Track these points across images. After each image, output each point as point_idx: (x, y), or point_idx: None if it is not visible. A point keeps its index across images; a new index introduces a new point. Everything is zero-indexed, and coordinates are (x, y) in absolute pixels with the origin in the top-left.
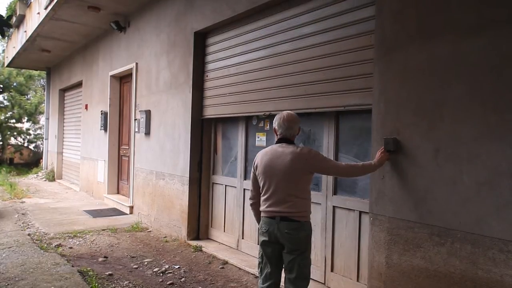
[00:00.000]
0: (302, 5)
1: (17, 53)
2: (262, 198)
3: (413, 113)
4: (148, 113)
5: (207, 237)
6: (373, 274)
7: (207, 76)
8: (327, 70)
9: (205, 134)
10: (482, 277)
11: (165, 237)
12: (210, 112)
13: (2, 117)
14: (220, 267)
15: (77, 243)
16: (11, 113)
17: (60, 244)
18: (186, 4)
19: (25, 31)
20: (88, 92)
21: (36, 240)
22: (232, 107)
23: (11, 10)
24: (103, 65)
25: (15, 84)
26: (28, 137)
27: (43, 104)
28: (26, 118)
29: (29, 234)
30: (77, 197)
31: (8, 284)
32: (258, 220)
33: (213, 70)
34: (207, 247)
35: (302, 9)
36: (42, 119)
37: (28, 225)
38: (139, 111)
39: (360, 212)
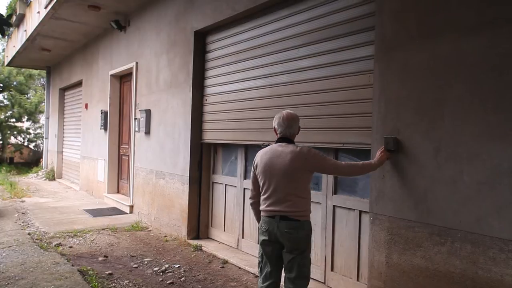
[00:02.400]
0: (301, 36)
1: (17, 52)
2: (262, 197)
3: (414, 112)
4: (148, 112)
5: (207, 236)
6: (373, 274)
7: (206, 100)
8: (326, 105)
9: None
10: (482, 276)
11: (165, 236)
12: (209, 136)
13: (2, 116)
14: (220, 266)
15: (77, 242)
16: (11, 112)
17: (60, 243)
18: (186, 3)
19: (25, 30)
20: (88, 91)
21: (36, 239)
22: (231, 133)
23: (11, 9)
24: (103, 64)
25: (15, 83)
26: (28, 136)
27: (43, 103)
28: (26, 117)
29: (29, 233)
30: (77, 196)
31: (8, 283)
32: (258, 220)
33: (213, 94)
34: (207, 246)
35: (300, 41)
36: (42, 118)
37: (28, 224)
38: (139, 110)
39: (360, 212)
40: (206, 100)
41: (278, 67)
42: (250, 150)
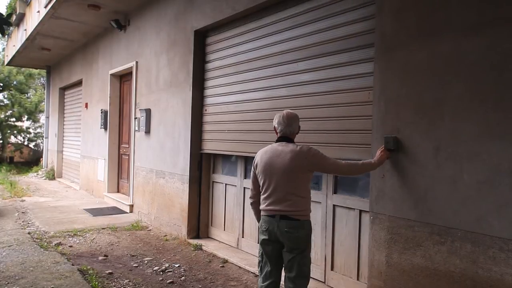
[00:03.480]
0: (301, 50)
1: (17, 51)
2: (262, 197)
3: (414, 112)
4: (148, 112)
5: (207, 235)
6: (373, 273)
7: (205, 110)
8: (326, 120)
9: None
10: (482, 276)
11: (165, 235)
12: (209, 147)
13: (2, 116)
14: (220, 265)
15: (77, 241)
16: (11, 111)
17: (60, 242)
18: (186, 2)
19: (25, 30)
20: (88, 90)
21: (36, 238)
22: (230, 144)
23: (11, 8)
24: (103, 64)
25: (15, 82)
26: (28, 135)
27: (43, 103)
28: (26, 116)
29: (29, 233)
30: (77, 196)
31: (8, 283)
32: (258, 219)
33: (212, 104)
34: (207, 245)
35: (300, 55)
36: (42, 118)
37: (28, 223)
38: (139, 109)
39: (360, 211)
40: (205, 110)
41: (278, 80)
42: None
